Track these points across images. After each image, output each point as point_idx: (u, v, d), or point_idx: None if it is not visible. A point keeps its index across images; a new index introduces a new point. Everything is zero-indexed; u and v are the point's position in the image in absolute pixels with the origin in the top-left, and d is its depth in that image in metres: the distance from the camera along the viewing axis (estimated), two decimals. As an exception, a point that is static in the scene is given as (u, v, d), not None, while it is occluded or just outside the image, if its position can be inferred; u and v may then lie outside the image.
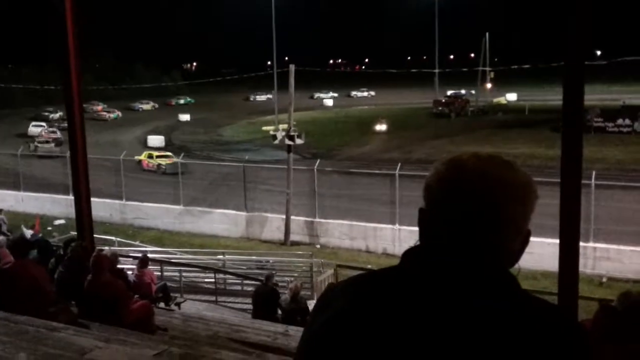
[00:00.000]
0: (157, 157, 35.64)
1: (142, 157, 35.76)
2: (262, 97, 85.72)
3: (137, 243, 20.73)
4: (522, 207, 1.22)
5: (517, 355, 1.11)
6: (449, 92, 68.83)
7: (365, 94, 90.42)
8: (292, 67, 23.14)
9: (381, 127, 48.94)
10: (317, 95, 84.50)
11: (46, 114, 61.04)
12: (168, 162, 33.55)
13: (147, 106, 77.39)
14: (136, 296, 7.71)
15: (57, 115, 57.04)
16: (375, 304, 1.20)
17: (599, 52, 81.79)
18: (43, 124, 52.49)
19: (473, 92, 66.84)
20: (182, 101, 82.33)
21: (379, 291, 1.23)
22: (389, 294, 1.21)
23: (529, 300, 1.20)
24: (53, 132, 46.59)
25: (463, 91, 71.82)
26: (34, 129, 49.82)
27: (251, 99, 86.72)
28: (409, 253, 1.26)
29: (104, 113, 65.77)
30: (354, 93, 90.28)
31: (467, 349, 1.12)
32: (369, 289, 1.25)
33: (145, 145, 45.27)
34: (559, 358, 1.13)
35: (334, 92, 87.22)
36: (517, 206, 1.22)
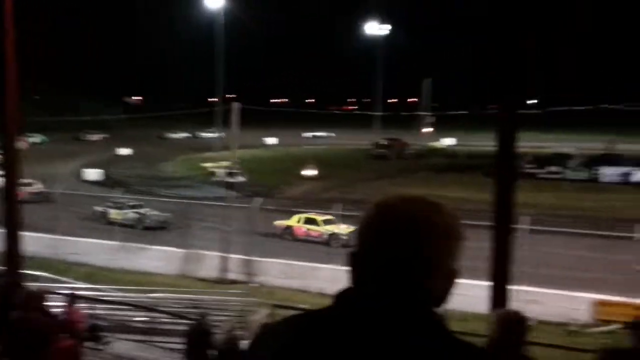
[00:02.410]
0: None
1: None
2: (178, 135, 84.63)
3: (66, 279, 20.05)
4: (448, 248, 1.25)
5: None
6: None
7: (325, 134, 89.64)
8: (235, 105, 23.24)
9: (309, 172, 46.58)
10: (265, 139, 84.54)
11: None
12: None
13: (95, 137, 77.21)
14: (64, 335, 7.47)
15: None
16: (312, 345, 1.21)
17: (534, 101, 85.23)
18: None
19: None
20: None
21: (316, 333, 1.24)
22: (325, 335, 1.22)
23: (457, 340, 1.22)
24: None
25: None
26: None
27: (167, 136, 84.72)
28: (341, 295, 1.28)
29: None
30: (309, 134, 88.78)
31: None
32: (305, 330, 1.26)
33: (80, 179, 44.13)
34: None
35: (278, 131, 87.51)
36: (443, 247, 1.24)
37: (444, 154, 63.71)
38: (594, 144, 55.74)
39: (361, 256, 1.27)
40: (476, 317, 15.97)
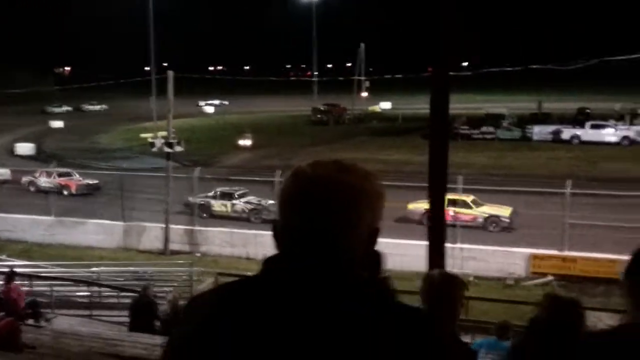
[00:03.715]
0: None
1: None
2: (61, 109, 78.84)
3: (3, 257, 19.53)
4: (367, 209, 1.26)
5: (384, 355, 1.16)
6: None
7: (217, 102, 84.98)
8: (170, 74, 22.80)
9: (245, 142, 45.48)
10: (201, 103, 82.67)
11: None
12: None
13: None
14: (2, 313, 7.34)
15: None
16: (241, 313, 1.21)
17: (465, 64, 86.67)
18: None
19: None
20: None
21: (244, 299, 1.24)
22: (254, 302, 1.22)
23: (386, 301, 1.25)
24: None
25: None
26: None
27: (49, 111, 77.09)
28: (269, 261, 1.28)
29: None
30: (203, 103, 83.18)
31: (338, 351, 1.15)
32: (233, 297, 1.26)
33: (12, 154, 42.63)
34: (423, 357, 1.19)
35: (213, 99, 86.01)
36: (362, 209, 1.25)
37: (382, 117, 64.32)
38: (525, 104, 57.33)
39: (284, 223, 1.28)
40: (419, 275, 16.43)
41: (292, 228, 1.26)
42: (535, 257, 18.41)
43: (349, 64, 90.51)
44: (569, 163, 33.66)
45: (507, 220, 21.55)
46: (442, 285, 3.06)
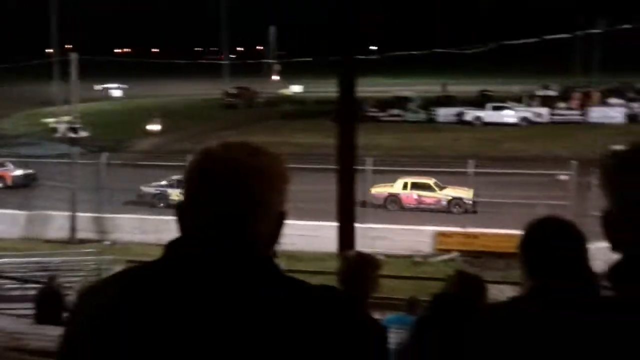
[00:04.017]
0: None
1: None
2: None
3: None
4: (273, 191, 1.25)
5: (305, 339, 1.16)
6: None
7: (115, 86, 79.74)
8: (74, 56, 21.99)
9: (154, 126, 43.88)
10: (102, 86, 79.29)
11: None
12: None
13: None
14: None
15: None
16: (145, 300, 1.16)
17: (374, 48, 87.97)
18: None
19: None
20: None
21: (147, 286, 1.19)
22: (160, 288, 1.17)
23: (302, 284, 1.25)
24: None
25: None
26: None
27: None
28: (173, 245, 1.24)
29: None
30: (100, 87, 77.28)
31: (259, 337, 1.13)
32: (135, 284, 1.20)
33: None
34: (343, 336, 1.20)
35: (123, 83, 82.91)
36: (268, 191, 1.24)
37: (293, 101, 64.41)
38: (430, 87, 58.97)
39: (189, 205, 1.26)
40: (331, 255, 16.78)
41: (200, 211, 1.23)
42: (440, 234, 19.17)
43: (260, 47, 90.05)
44: (472, 143, 34.98)
45: (470, 202, 21.78)
46: (358, 266, 3.18)
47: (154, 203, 22.49)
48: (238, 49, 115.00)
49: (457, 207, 21.92)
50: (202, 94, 69.11)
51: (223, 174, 1.23)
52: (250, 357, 1.13)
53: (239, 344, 1.13)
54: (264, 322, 1.15)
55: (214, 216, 1.22)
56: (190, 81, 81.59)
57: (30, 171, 26.92)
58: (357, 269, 3.18)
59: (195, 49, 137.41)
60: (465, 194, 22.01)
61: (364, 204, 21.02)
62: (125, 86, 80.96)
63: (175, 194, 22.91)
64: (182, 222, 1.27)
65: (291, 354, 1.15)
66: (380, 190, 22.26)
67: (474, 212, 21.60)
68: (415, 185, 22.32)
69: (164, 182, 23.13)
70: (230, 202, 1.22)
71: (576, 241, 1.99)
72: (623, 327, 1.04)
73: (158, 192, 22.92)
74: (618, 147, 1.17)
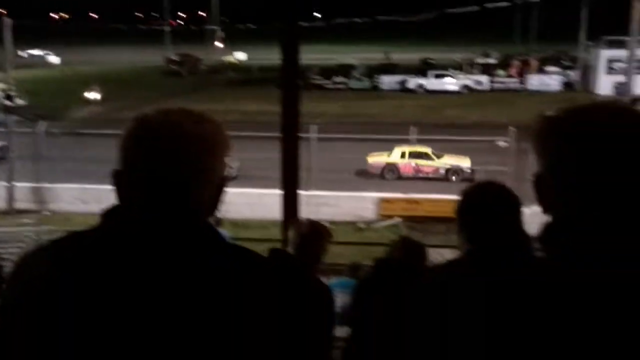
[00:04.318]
0: None
1: None
2: None
3: None
4: (213, 158, 1.24)
5: (257, 306, 1.18)
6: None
7: (40, 53, 75.94)
8: (8, 21, 21.12)
9: (93, 94, 42.50)
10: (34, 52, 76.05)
11: None
12: None
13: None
14: None
15: None
16: (87, 268, 1.14)
17: (318, 15, 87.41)
18: None
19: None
20: None
21: (86, 254, 1.17)
22: (98, 256, 1.15)
23: (246, 252, 1.26)
24: None
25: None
26: None
27: None
28: (110, 213, 1.22)
29: None
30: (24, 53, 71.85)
31: (208, 307, 1.13)
32: (74, 252, 1.18)
33: None
34: (292, 302, 1.24)
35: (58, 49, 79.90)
36: (208, 157, 1.23)
37: (237, 68, 63.63)
38: (373, 55, 59.13)
39: (126, 173, 1.23)
40: (275, 223, 16.83)
41: (139, 179, 1.21)
42: (383, 200, 19.44)
43: (203, 13, 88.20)
44: (415, 111, 35.37)
45: (469, 170, 21.52)
46: (310, 234, 3.27)
47: None
48: (180, 14, 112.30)
49: (455, 175, 21.71)
50: (143, 61, 67.52)
51: (161, 141, 1.20)
52: (196, 326, 1.12)
53: (185, 313, 1.12)
54: (209, 291, 1.14)
55: (153, 183, 1.20)
56: (131, 48, 79.51)
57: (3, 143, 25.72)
58: (309, 236, 3.25)
59: (137, 14, 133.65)
60: (463, 162, 21.87)
61: (362, 173, 21.90)
62: (50, 53, 77.14)
63: None
64: (120, 191, 1.24)
65: (241, 322, 1.15)
66: (377, 159, 22.15)
67: (472, 180, 21.74)
68: (412, 155, 22.07)
69: None
70: (170, 169, 1.19)
71: (511, 205, 2.07)
72: (552, 288, 1.07)
73: None
74: (548, 113, 1.20)
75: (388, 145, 22.52)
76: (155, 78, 55.22)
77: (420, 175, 21.64)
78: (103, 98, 42.43)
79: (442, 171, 21.86)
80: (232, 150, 1.31)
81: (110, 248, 1.16)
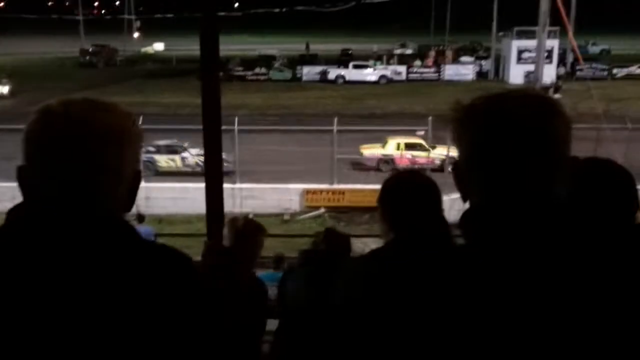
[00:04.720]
0: None
1: None
2: None
3: None
4: (121, 150, 1.19)
5: (158, 302, 1.14)
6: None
7: None
8: None
9: (2, 87, 40.49)
10: None
11: None
12: None
13: None
14: None
15: None
16: None
17: (236, 5, 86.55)
18: None
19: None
20: None
21: None
22: (8, 255, 1.12)
23: (160, 249, 1.23)
24: None
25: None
26: None
27: None
28: (14, 211, 1.17)
29: None
30: None
31: (120, 302, 1.11)
32: None
33: None
34: (186, 299, 1.18)
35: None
36: (116, 150, 1.17)
37: (156, 59, 62.23)
38: (294, 46, 59.16)
39: (32, 168, 1.17)
40: (199, 217, 16.61)
41: (42, 175, 1.15)
42: (308, 191, 19.54)
43: (117, 2, 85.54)
44: (336, 101, 35.69)
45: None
46: (245, 230, 3.29)
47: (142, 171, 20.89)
48: (94, 4, 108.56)
49: (451, 165, 21.28)
50: (57, 53, 64.94)
51: (63, 134, 1.14)
52: (99, 323, 1.10)
53: (90, 312, 1.09)
54: (115, 290, 1.11)
55: (57, 180, 1.15)
56: (45, 39, 76.26)
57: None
58: (245, 232, 3.29)
59: (49, 3, 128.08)
60: (455, 152, 21.69)
61: (357, 166, 21.57)
62: None
63: (164, 160, 21.77)
64: (24, 188, 1.18)
65: (153, 320, 1.13)
66: (371, 151, 21.95)
67: None
68: (407, 146, 21.92)
69: (150, 148, 21.43)
70: (73, 164, 1.15)
71: (430, 194, 2.13)
72: (470, 274, 1.09)
73: (145, 159, 20.99)
74: (462, 103, 1.23)
75: (313, 136, 22.59)
76: (69, 70, 53.29)
77: (417, 166, 21.01)
78: (13, 91, 40.53)
79: (438, 162, 21.61)
80: (143, 142, 1.25)
81: (14, 248, 1.12)
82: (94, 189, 1.16)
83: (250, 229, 3.34)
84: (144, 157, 20.89)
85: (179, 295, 1.17)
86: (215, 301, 1.27)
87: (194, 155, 21.45)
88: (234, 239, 3.25)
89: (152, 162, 21.39)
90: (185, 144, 21.90)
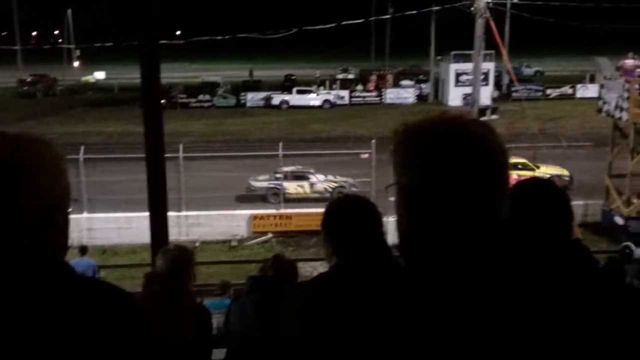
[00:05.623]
0: None
1: None
2: None
3: None
4: (38, 184, 1.14)
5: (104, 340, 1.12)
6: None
7: None
8: None
9: None
10: None
11: None
12: None
13: None
14: None
15: None
16: None
17: (178, 32, 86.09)
18: None
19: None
20: None
21: None
22: None
23: (94, 284, 1.21)
24: None
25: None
26: None
27: None
28: None
29: None
30: None
31: (47, 337, 1.08)
32: None
33: None
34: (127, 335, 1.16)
35: None
36: (33, 185, 1.13)
37: (97, 88, 61.22)
38: (237, 72, 59.22)
39: None
40: (144, 247, 16.34)
41: None
42: (255, 217, 19.49)
43: (56, 32, 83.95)
44: (280, 127, 35.81)
45: (568, 179, 21.40)
46: (178, 258, 3.35)
47: (267, 198, 21.11)
48: (32, 33, 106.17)
49: None
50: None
51: None
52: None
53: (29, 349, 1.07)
54: (57, 326, 1.08)
55: None
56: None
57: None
58: (178, 261, 3.34)
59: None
60: (562, 171, 21.91)
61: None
62: None
63: (293, 187, 21.27)
64: None
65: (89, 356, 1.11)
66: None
67: (570, 188, 20.82)
68: (513, 166, 21.09)
69: (277, 175, 21.23)
70: None
71: (371, 217, 2.17)
72: (414, 295, 1.10)
73: (272, 186, 21.18)
74: (399, 128, 1.24)
75: (259, 162, 22.55)
76: (7, 100, 51.82)
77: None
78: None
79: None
80: (65, 171, 1.20)
81: None
82: (11, 230, 1.11)
83: (181, 256, 3.39)
84: (271, 184, 21.11)
85: (115, 333, 1.13)
86: (157, 335, 1.25)
87: (321, 181, 21.62)
88: (168, 268, 3.29)
89: (280, 189, 21.15)
90: (312, 170, 21.81)
